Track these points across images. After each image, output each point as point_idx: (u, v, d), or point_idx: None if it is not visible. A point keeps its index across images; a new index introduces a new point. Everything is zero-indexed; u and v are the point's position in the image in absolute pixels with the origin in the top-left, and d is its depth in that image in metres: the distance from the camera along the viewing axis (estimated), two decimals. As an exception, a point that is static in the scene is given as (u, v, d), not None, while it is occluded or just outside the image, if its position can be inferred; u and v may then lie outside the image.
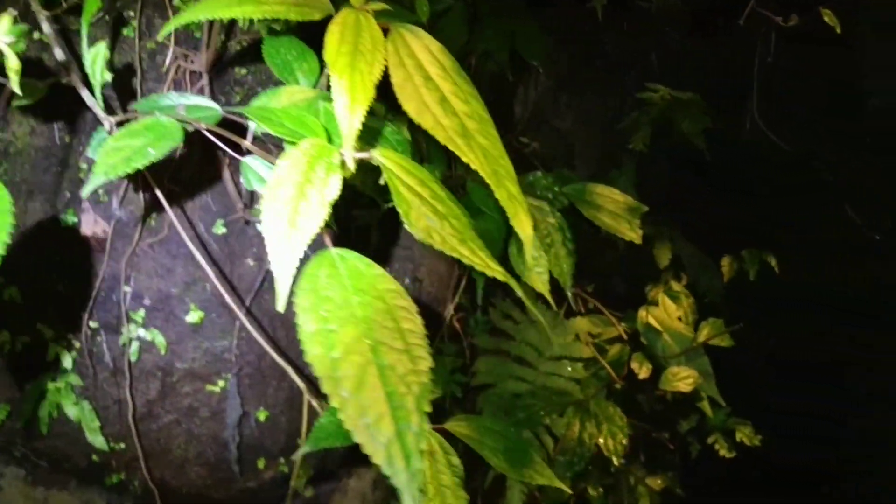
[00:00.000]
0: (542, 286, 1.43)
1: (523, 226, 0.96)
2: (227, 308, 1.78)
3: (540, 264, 1.43)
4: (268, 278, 1.84)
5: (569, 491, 1.35)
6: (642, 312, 1.88)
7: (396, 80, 0.97)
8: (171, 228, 1.67)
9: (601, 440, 1.76)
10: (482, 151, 0.98)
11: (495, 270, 0.89)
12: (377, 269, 0.88)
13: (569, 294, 1.42)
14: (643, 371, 1.78)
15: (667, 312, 1.84)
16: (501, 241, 1.43)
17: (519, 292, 0.92)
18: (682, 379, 1.74)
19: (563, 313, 1.93)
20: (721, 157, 2.20)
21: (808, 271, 1.96)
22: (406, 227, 0.89)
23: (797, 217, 1.98)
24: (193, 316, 1.71)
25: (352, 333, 0.81)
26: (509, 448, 1.31)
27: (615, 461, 1.75)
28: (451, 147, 0.95)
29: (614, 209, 1.34)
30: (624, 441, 1.76)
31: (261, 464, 2.15)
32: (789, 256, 1.92)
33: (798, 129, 1.95)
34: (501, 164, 1.00)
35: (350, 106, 0.90)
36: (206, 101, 1.13)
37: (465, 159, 0.94)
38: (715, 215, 2.28)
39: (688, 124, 1.91)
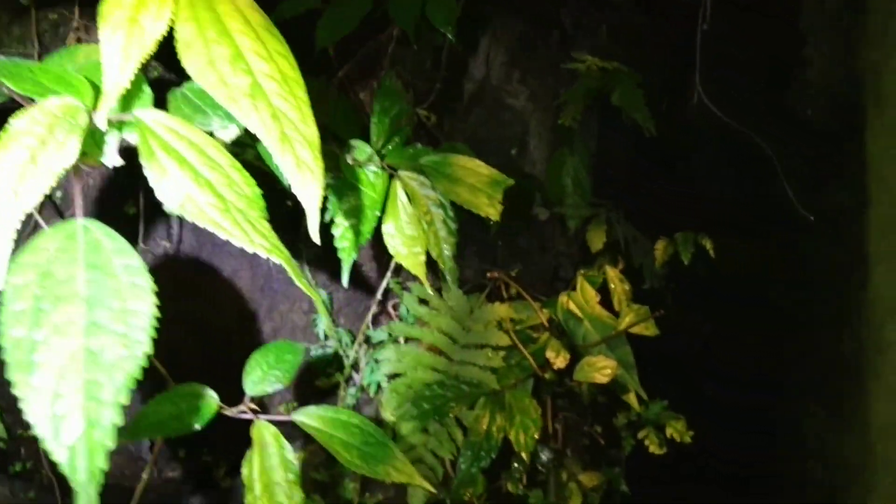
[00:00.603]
0: (417, 267, 1.32)
1: (309, 197, 0.85)
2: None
3: (417, 244, 1.32)
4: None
5: (430, 489, 1.25)
6: (563, 298, 1.76)
7: (183, 35, 0.87)
8: None
9: (512, 434, 1.65)
10: (272, 113, 0.87)
11: (258, 245, 0.79)
12: (122, 244, 0.78)
13: (448, 277, 1.31)
14: (559, 360, 1.66)
15: (585, 298, 1.72)
16: (375, 218, 1.32)
17: (302, 285, 0.82)
18: (598, 369, 1.62)
19: (485, 299, 1.82)
20: (668, 134, 2.07)
21: (745, 253, 1.83)
22: (157, 194, 0.80)
23: (739, 197, 1.84)
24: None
25: (67, 313, 0.71)
26: (367, 443, 1.21)
27: (524, 456, 1.64)
28: (230, 108, 0.84)
29: (475, 182, 1.23)
30: (536, 435, 1.65)
31: (181, 453, 2.08)
32: (729, 238, 1.79)
33: (741, 102, 1.81)
34: (298, 129, 0.89)
35: (116, 62, 0.80)
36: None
37: (243, 122, 0.84)
38: (661, 197, 2.15)
39: (618, 97, 1.79)
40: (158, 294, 0.75)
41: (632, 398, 1.76)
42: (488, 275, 1.85)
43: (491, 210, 1.20)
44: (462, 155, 1.25)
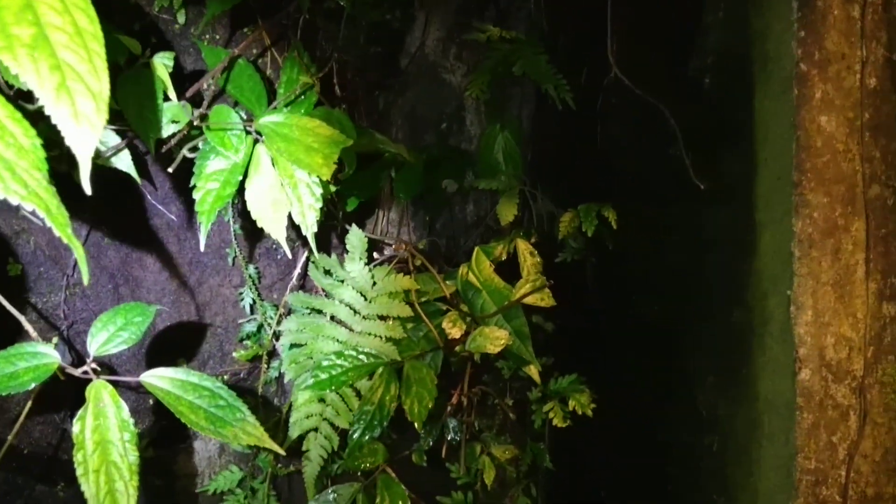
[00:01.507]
0: (278, 232, 1.32)
1: (83, 147, 0.85)
2: None
3: (280, 208, 1.32)
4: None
5: (279, 450, 1.25)
6: (463, 269, 1.75)
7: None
8: None
9: (406, 403, 1.65)
10: (53, 65, 0.87)
11: (12, 192, 0.79)
12: None
13: (311, 243, 1.31)
14: (455, 331, 1.66)
15: (479, 269, 1.71)
16: (237, 182, 1.32)
17: (64, 236, 0.82)
18: (491, 340, 1.61)
19: (391, 271, 1.82)
20: (589, 107, 2.05)
21: (648, 226, 1.81)
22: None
23: (650, 169, 1.83)
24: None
25: None
26: (216, 405, 1.22)
27: (417, 426, 1.63)
28: (4, 59, 0.85)
29: (312, 142, 1.22)
30: (429, 405, 1.64)
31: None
32: (637, 210, 1.77)
33: (650, 72, 1.79)
34: (84, 81, 0.89)
35: None
36: None
37: (18, 72, 0.84)
38: (582, 171, 2.13)
39: (520, 67, 1.77)
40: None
41: (532, 371, 1.75)
42: (394, 247, 1.85)
43: (324, 170, 1.19)
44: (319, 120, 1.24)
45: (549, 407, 1.83)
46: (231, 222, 2.14)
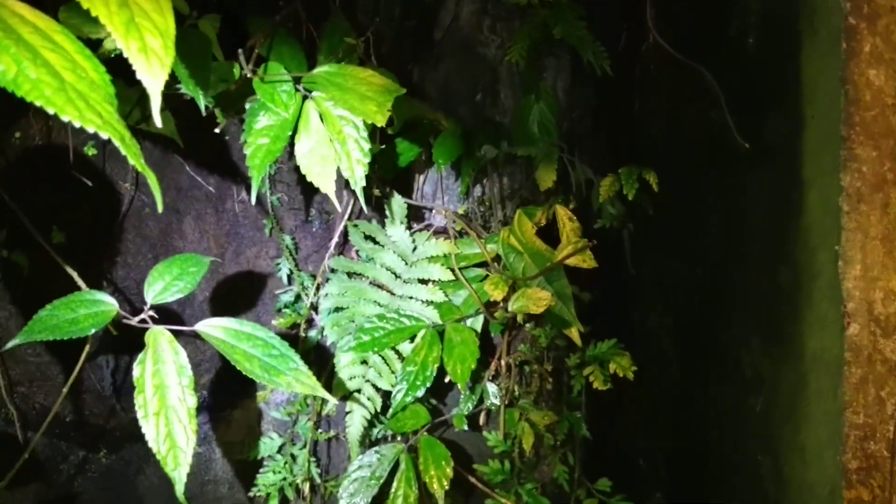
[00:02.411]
0: (327, 187, 1.33)
1: (153, 81, 0.87)
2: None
3: (328, 163, 1.33)
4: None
5: (332, 398, 1.26)
6: (504, 233, 1.76)
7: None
8: None
9: (449, 365, 1.66)
10: (123, 2, 0.89)
11: (88, 121, 0.81)
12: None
13: (360, 198, 1.32)
14: (497, 293, 1.66)
15: (522, 231, 1.71)
16: (286, 137, 1.33)
17: (138, 165, 0.83)
18: (534, 300, 1.61)
19: (430, 236, 1.83)
20: (627, 73, 2.05)
21: (687, 191, 1.80)
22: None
23: (683, 134, 1.82)
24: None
25: None
26: (269, 354, 1.23)
27: (461, 387, 1.64)
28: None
29: (366, 91, 1.23)
30: (472, 366, 1.65)
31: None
32: (672, 176, 1.77)
33: (690, 35, 1.78)
34: (150, 19, 0.91)
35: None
36: None
37: (92, 10, 0.86)
38: (621, 138, 2.13)
39: (560, 30, 1.77)
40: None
41: (574, 333, 1.75)
42: (433, 212, 1.86)
43: (378, 116, 1.20)
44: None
45: (590, 371, 1.83)
46: (269, 194, 2.16)
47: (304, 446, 1.99)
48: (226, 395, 2.15)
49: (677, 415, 1.89)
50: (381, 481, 1.63)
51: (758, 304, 1.61)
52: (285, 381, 1.21)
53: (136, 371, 1.13)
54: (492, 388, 1.91)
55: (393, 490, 1.63)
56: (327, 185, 1.32)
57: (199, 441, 2.09)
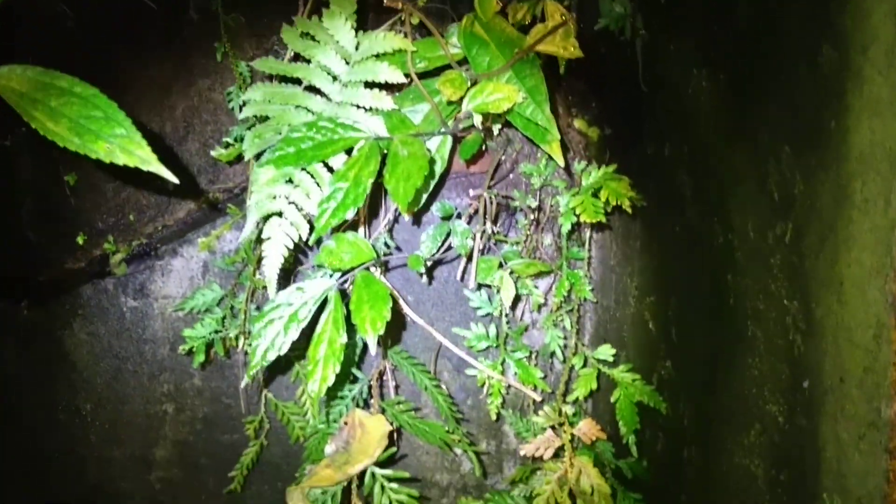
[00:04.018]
0: None
1: None
2: None
3: None
4: None
5: (172, 177, 0.93)
6: (466, 21, 1.38)
7: None
8: None
9: (391, 182, 1.31)
10: None
11: None
12: None
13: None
14: (452, 92, 1.30)
15: (484, 13, 1.33)
16: None
17: None
18: (493, 97, 1.25)
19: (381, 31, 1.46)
20: None
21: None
22: None
23: None
24: None
25: None
26: (88, 117, 0.90)
27: (401, 208, 1.30)
28: None
29: None
30: (418, 183, 1.30)
31: (80, 240, 1.85)
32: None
33: None
34: None
35: None
36: None
37: None
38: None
39: None
40: None
41: (554, 149, 1.38)
42: (385, 2, 1.48)
43: None
44: None
45: (578, 202, 1.46)
46: (220, 11, 1.83)
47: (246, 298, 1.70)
48: (168, 241, 1.86)
49: (690, 252, 1.52)
50: (304, 324, 1.32)
51: (792, 102, 1.21)
52: (104, 150, 0.89)
53: None
54: (459, 224, 1.56)
55: (318, 333, 1.31)
56: None
57: (134, 293, 1.81)
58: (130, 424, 1.85)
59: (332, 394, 1.64)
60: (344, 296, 1.36)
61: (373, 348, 1.29)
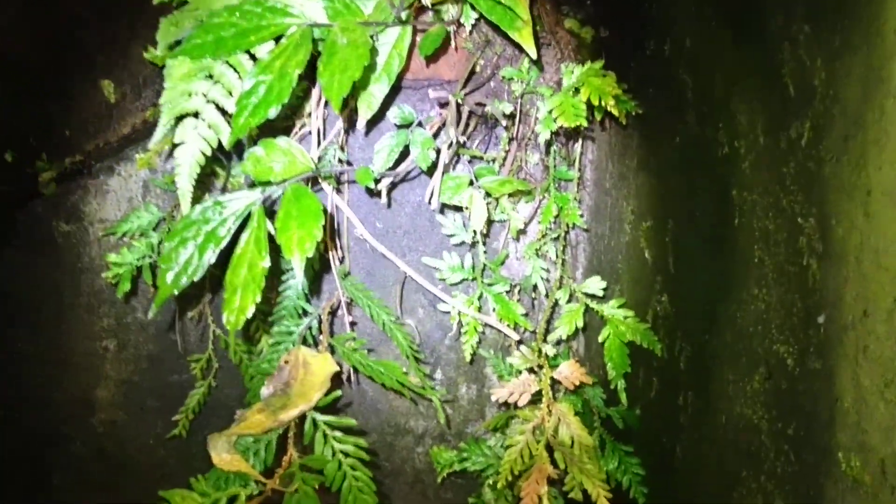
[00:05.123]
0: None
1: None
2: None
3: None
4: None
5: None
6: None
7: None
8: None
9: (324, 76, 1.09)
10: None
11: None
12: None
13: None
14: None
15: None
16: None
17: None
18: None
19: None
20: None
21: None
22: None
23: None
24: None
25: None
26: None
27: (333, 105, 1.08)
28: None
29: None
30: (356, 76, 1.08)
31: (9, 157, 1.65)
32: None
33: None
34: None
35: None
36: None
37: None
38: None
39: None
40: None
41: (525, 37, 1.14)
42: None
43: None
44: None
45: (557, 103, 1.23)
46: None
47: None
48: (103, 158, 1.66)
49: (689, 159, 1.28)
50: (224, 244, 1.11)
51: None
52: None
53: None
54: (420, 133, 1.33)
55: (236, 255, 1.11)
56: None
57: (66, 217, 1.62)
58: (68, 363, 1.68)
59: (279, 330, 1.44)
60: (273, 215, 1.15)
61: (299, 274, 1.08)
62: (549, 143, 1.36)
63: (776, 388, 1.07)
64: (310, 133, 1.42)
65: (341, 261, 1.53)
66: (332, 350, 1.39)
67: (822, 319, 0.97)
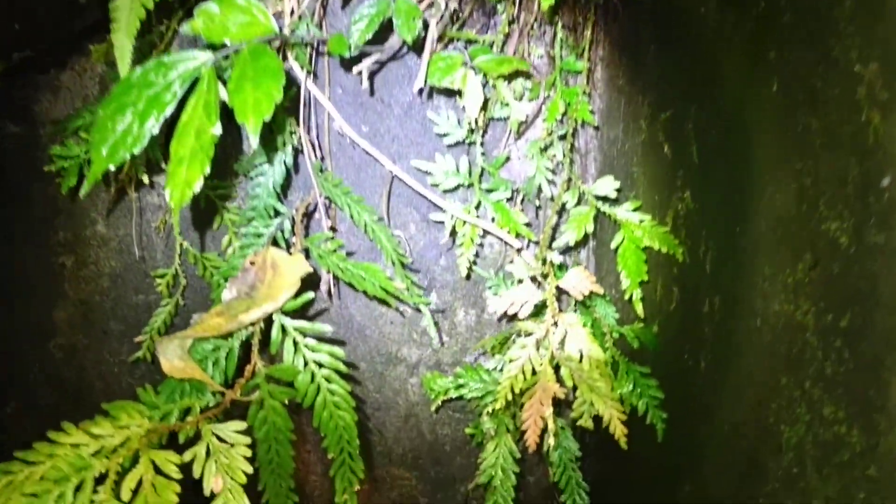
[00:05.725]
0: None
1: None
2: None
3: None
4: None
5: None
6: None
7: None
8: None
9: None
10: None
11: None
12: None
13: None
14: None
15: None
16: None
17: None
18: None
19: None
20: None
21: None
22: None
23: None
24: None
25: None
26: None
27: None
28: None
29: None
30: None
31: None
32: None
33: None
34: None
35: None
36: None
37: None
38: None
39: None
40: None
41: None
42: None
43: None
44: None
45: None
46: None
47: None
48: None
49: (720, 37, 1.10)
50: (169, 111, 0.93)
51: None
52: None
53: None
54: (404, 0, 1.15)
55: (183, 121, 0.93)
56: None
57: (14, 117, 1.44)
58: (21, 282, 1.51)
59: (247, 231, 1.27)
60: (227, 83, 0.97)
61: (254, 142, 0.91)
62: (554, 29, 1.18)
63: (825, 275, 0.89)
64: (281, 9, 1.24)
65: (322, 160, 1.36)
66: (308, 255, 1.22)
67: (887, 181, 0.79)
